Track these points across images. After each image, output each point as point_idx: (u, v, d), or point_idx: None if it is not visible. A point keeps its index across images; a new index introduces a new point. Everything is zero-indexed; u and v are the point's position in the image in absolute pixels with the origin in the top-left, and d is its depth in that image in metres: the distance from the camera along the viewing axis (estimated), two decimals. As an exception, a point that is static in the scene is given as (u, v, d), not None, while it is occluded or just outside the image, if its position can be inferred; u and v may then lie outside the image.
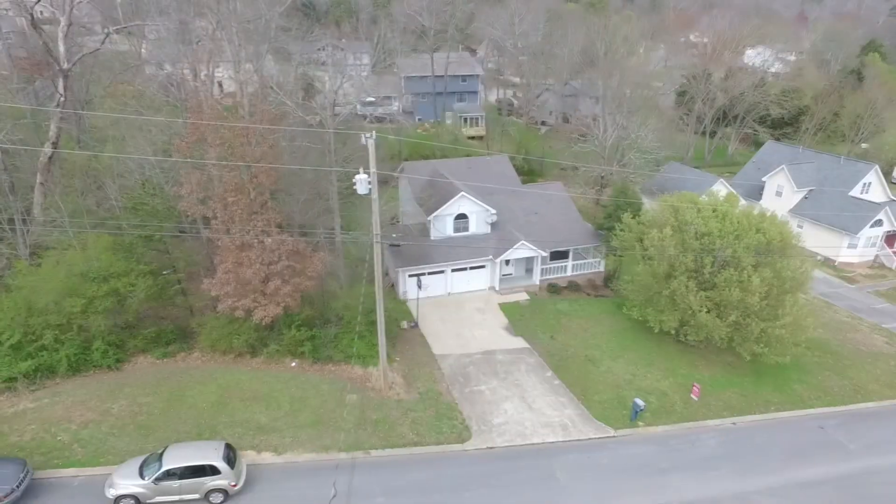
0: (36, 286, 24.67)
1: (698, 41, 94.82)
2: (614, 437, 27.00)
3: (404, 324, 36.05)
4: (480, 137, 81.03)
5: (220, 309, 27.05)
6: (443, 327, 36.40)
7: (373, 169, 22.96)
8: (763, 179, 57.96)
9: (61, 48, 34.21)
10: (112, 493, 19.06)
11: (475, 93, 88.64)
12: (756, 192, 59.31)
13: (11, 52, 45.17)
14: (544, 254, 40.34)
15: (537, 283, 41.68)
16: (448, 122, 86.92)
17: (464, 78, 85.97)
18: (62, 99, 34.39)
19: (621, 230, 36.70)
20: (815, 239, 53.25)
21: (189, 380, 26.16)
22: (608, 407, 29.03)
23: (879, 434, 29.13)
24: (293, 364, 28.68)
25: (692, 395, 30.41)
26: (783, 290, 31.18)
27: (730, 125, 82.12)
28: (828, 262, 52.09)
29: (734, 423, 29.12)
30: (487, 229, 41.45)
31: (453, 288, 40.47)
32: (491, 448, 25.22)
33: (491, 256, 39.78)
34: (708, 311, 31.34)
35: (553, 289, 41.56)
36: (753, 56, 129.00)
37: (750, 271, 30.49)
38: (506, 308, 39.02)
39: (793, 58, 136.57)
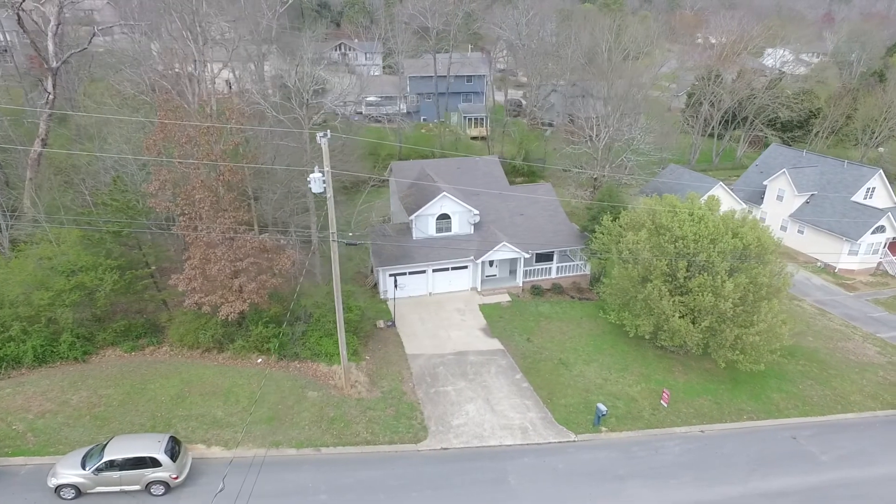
0: (5, 279, 25.37)
1: (712, 42, 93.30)
2: (575, 441, 26.71)
3: (381, 323, 36.16)
4: (484, 138, 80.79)
5: (187, 304, 27.45)
6: (420, 327, 36.41)
7: (327, 168, 23.08)
8: (764, 183, 56.75)
9: (50, 47, 35.12)
10: (53, 482, 19.52)
11: (481, 93, 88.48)
12: (758, 197, 58.17)
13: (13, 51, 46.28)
14: (527, 255, 40.05)
15: (520, 284, 41.44)
16: (453, 122, 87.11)
17: (469, 78, 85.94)
18: (51, 97, 35.34)
19: (601, 232, 36.31)
20: (815, 245, 52.09)
21: (153, 373, 26.63)
22: (573, 411, 28.73)
23: (854, 446, 28.32)
24: (259, 361, 28.98)
25: (662, 402, 29.94)
26: (759, 296, 30.51)
27: (739, 127, 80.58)
28: (828, 269, 50.78)
29: (702, 431, 28.59)
30: (470, 230, 41.35)
31: (435, 288, 40.45)
32: (445, 449, 25.15)
33: (472, 257, 39.66)
34: (682, 317, 30.83)
35: (536, 291, 41.26)
36: (771, 57, 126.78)
37: (724, 276, 29.89)
38: (486, 309, 38.87)
39: (815, 59, 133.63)
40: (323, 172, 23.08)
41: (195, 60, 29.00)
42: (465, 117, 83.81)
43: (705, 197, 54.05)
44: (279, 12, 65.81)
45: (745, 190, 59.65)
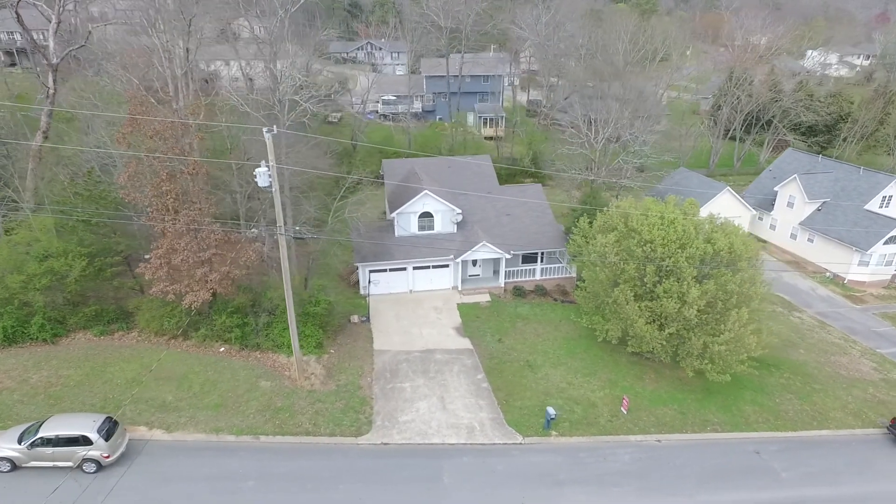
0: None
1: (739, 43, 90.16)
2: (521, 444, 26.47)
3: (355, 318, 36.60)
4: (499, 138, 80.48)
5: (153, 292, 28.49)
6: (394, 324, 36.69)
7: (272, 162, 23.59)
8: (775, 189, 54.65)
9: (51, 45, 36.94)
10: None
11: (497, 93, 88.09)
12: (769, 203, 56.09)
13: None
14: (508, 256, 39.81)
15: (502, 285, 41.21)
16: (469, 122, 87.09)
17: (485, 78, 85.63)
18: (51, 91, 37.17)
19: (577, 234, 35.78)
20: (825, 254, 49.87)
21: (115, 357, 27.78)
22: (528, 413, 28.45)
23: (820, 464, 27.09)
24: (222, 349, 29.82)
25: (622, 409, 29.33)
26: (729, 304, 29.50)
27: (763, 130, 77.77)
28: (836, 280, 48.56)
29: (659, 441, 27.86)
30: (453, 229, 41.37)
31: (415, 286, 40.65)
32: (385, 444, 25.33)
33: (452, 256, 39.67)
34: (648, 323, 30.12)
35: (518, 292, 40.95)
36: (812, 59, 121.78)
37: (690, 283, 29.05)
38: (464, 308, 38.84)
39: (863, 62, 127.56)
40: (269, 166, 23.60)
41: (185, 56, 29.90)
42: (479, 117, 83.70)
43: (711, 202, 53.03)
44: (291, 11, 67.22)
45: (756, 196, 57.67)
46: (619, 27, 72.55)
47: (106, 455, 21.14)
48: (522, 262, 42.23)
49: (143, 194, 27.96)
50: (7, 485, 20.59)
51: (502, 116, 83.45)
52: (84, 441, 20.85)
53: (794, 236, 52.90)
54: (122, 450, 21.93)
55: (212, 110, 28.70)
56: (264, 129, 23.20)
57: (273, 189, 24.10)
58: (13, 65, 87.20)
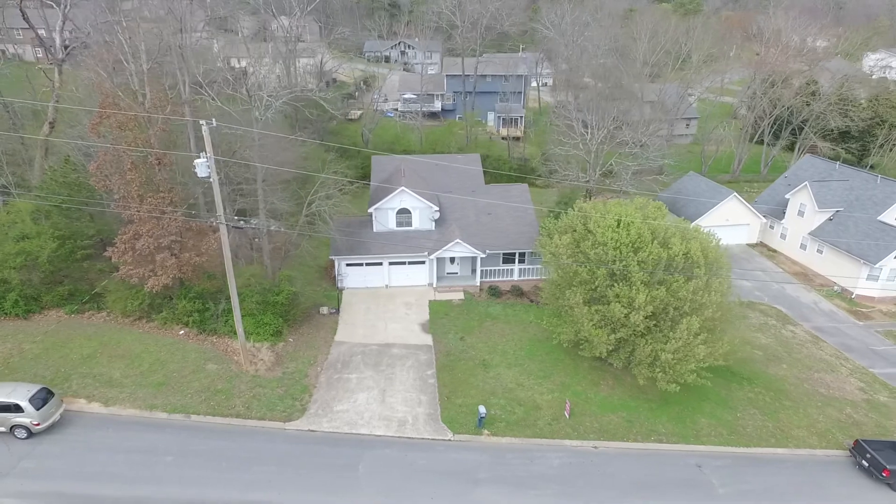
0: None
1: (789, 43, 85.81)
2: (449, 441, 26.55)
3: (324, 309, 37.47)
4: (517, 138, 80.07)
5: (119, 275, 30.20)
6: (362, 317, 37.34)
7: (209, 154, 24.62)
8: (787, 196, 52.10)
9: (57, 41, 39.55)
10: None
11: (519, 93, 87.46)
12: (782, 211, 53.51)
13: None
14: (482, 255, 39.77)
15: (478, 284, 41.18)
16: (489, 121, 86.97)
17: (506, 78, 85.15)
18: (56, 84, 39.80)
19: (543, 234, 35.41)
20: (833, 266, 47.29)
21: (78, 334, 29.64)
22: (466, 411, 28.47)
23: (763, 482, 25.93)
24: (181, 332, 31.26)
25: (565, 412, 28.93)
26: (682, 311, 28.59)
27: (794, 135, 74.09)
28: (844, 294, 45.91)
29: (596, 448, 27.33)
30: (431, 226, 41.67)
31: (392, 281, 41.17)
32: (312, 431, 25.98)
33: (427, 253, 39.98)
34: (599, 327, 29.54)
35: (494, 292, 40.81)
36: (870, 60, 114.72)
37: (640, 287, 28.33)
38: (435, 306, 39.09)
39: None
40: (207, 158, 24.64)
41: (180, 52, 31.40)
42: (499, 117, 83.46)
43: (717, 208, 51.03)
44: (307, 10, 69.16)
45: (769, 203, 55.14)
46: (639, 26, 70.60)
47: (36, 423, 22.71)
48: (503, 262, 42.05)
49: (111, 182, 29.65)
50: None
51: (521, 117, 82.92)
52: (16, 408, 22.48)
53: (803, 247, 50.35)
54: (54, 419, 23.49)
55: (196, 105, 30.05)
56: (202, 122, 24.25)
57: (212, 179, 25.14)
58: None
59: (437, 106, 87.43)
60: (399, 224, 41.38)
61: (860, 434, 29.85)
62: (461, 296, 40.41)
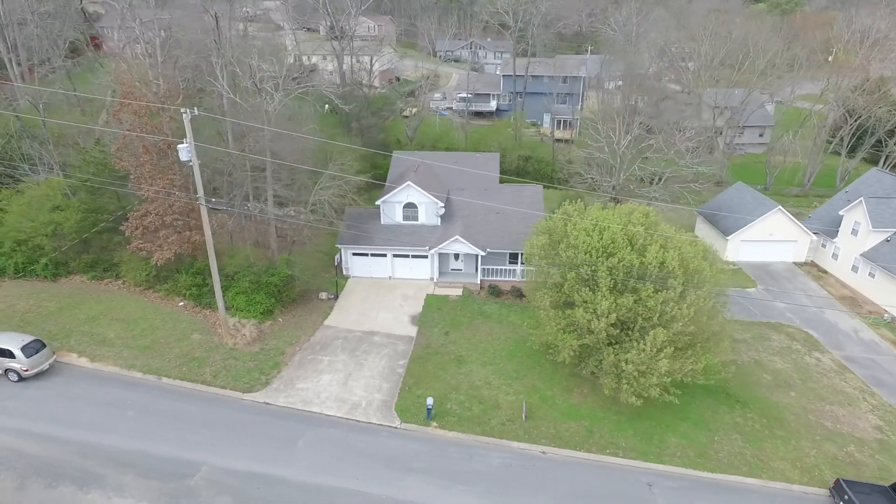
0: (11, 210, 33.75)
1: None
2: (395, 428, 27.16)
3: (324, 295, 39.24)
4: (567, 140, 78.58)
5: (131, 248, 33.47)
6: (358, 305, 38.72)
7: (190, 140, 26.84)
8: (841, 213, 47.63)
9: (115, 37, 44.07)
10: None
11: (577, 95, 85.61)
12: (835, 229, 49.01)
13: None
14: (482, 253, 39.89)
15: (478, 282, 41.32)
16: (546, 123, 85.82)
17: (564, 79, 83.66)
18: (110, 78, 44.27)
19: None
20: (886, 293, 42.78)
21: (91, 298, 33.20)
22: (422, 403, 28.83)
23: (714, 511, 24.33)
24: (181, 304, 34.09)
25: (522, 415, 28.63)
26: (652, 323, 27.35)
27: (881, 146, 67.20)
28: (895, 325, 41.42)
29: (544, 453, 26.83)
30: (437, 221, 42.30)
31: (395, 273, 42.25)
32: (267, 404, 27.54)
33: (428, 247, 40.67)
34: (565, 332, 28.93)
35: (493, 290, 40.77)
36: None
37: (605, 294, 27.45)
38: (431, 300, 39.71)
39: None
40: (188, 143, 26.90)
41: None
42: (554, 118, 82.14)
43: (759, 221, 47.64)
44: (361, 9, 71.72)
45: (824, 219, 50.65)
46: (700, 28, 66.89)
47: (25, 369, 25.96)
48: (508, 262, 41.87)
49: (128, 163, 32.92)
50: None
51: (575, 119, 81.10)
52: (9, 354, 25.84)
53: (854, 269, 45.85)
54: (43, 367, 26.70)
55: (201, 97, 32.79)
56: (182, 111, 26.48)
57: (192, 164, 27.36)
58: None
59: (493, 105, 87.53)
60: (405, 218, 42.33)
61: (855, 475, 27.11)
62: (459, 292, 40.71)
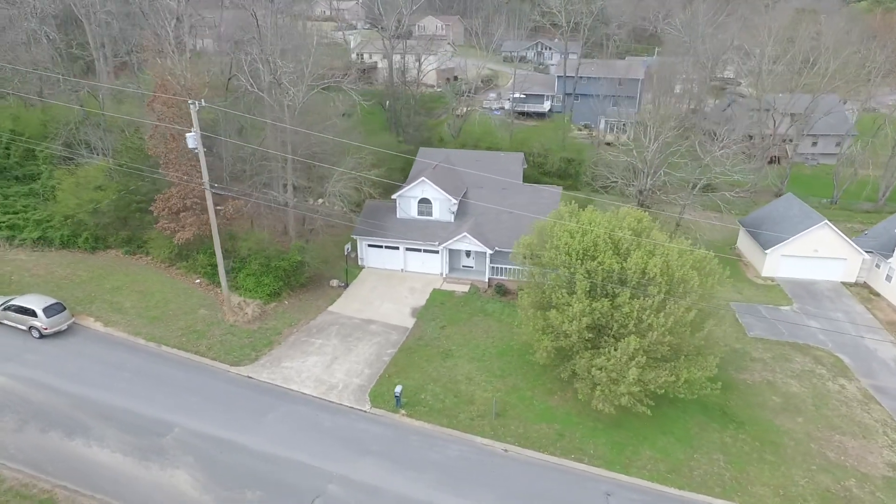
0: (62, 189, 37.98)
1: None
2: (364, 412, 28.13)
3: (334, 282, 40.98)
4: (621, 144, 76.49)
5: (157, 227, 36.67)
6: (365, 294, 40.14)
7: (196, 130, 29.14)
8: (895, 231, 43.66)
9: (171, 35, 48.04)
10: None
11: (633, 98, 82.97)
12: (892, 248, 44.97)
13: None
14: (490, 251, 40.11)
15: (486, 280, 41.54)
16: (601, 126, 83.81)
17: (620, 82, 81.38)
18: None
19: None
20: (937, 321, 38.84)
21: (120, 270, 36.65)
22: (405, 391, 29.46)
23: (669, 529, 23.45)
24: (197, 281, 36.88)
25: (493, 412, 28.77)
26: (627, 329, 26.68)
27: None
28: (943, 356, 37.53)
29: (506, 451, 26.86)
30: (451, 218, 42.92)
31: (408, 266, 43.29)
32: (249, 377, 29.37)
33: (438, 243, 41.39)
34: (542, 333, 28.78)
35: (500, 289, 40.84)
36: None
37: (581, 297, 27.05)
38: (437, 294, 40.42)
39: None
40: (195, 133, 29.23)
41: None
42: (606, 121, 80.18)
43: (801, 236, 44.45)
44: (413, 9, 73.27)
45: (880, 237, 46.58)
46: (763, 27, 62.87)
47: (45, 327, 29.30)
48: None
49: (159, 149, 36.06)
50: (-9, 332, 30.42)
51: (630, 123, 78.59)
52: (32, 313, 29.28)
53: (908, 292, 41.89)
54: (61, 327, 29.99)
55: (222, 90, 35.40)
56: (190, 103, 28.81)
57: (198, 150, 29.68)
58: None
59: (546, 106, 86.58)
60: (420, 213, 43.26)
61: (846, 510, 25.15)
62: (465, 289, 41.09)
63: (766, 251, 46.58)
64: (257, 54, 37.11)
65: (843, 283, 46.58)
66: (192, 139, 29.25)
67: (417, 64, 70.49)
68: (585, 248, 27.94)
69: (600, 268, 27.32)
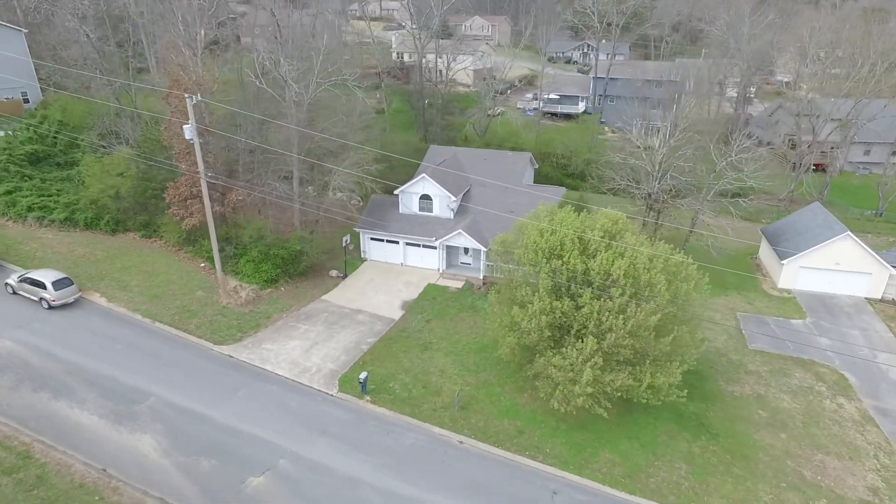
0: (90, 175, 41.29)
1: None
2: (330, 395, 29.25)
3: (334, 272, 42.46)
4: (651, 148, 74.68)
5: (168, 213, 39.26)
6: (362, 285, 41.40)
7: (192, 123, 31.16)
8: (926, 246, 40.77)
9: (201, 33, 51.04)
10: (4, 281, 33.49)
11: (672, 100, 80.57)
12: (923, 264, 42.19)
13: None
14: (484, 248, 40.46)
15: (480, 276, 41.90)
16: (635, 128, 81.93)
17: (658, 84, 79.43)
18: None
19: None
20: (961, 344, 36.19)
21: (133, 252, 39.45)
22: (375, 379, 30.51)
23: (607, 531, 23.25)
24: (202, 265, 39.17)
25: (456, 405, 29.28)
26: (588, 330, 26.55)
27: None
28: (963, 382, 34.94)
29: (461, 442, 27.31)
30: (450, 214, 43.53)
31: (407, 260, 44.24)
32: (230, 356, 31.08)
33: (434, 238, 42.12)
34: (508, 329, 29.03)
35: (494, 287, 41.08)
36: None
37: (542, 295, 27.14)
38: (430, 289, 41.18)
39: None
40: (193, 126, 31.26)
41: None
42: (643, 124, 78.32)
43: (821, 247, 42.38)
44: (444, 9, 74.09)
45: (910, 251, 43.65)
46: (807, 29, 59.76)
47: (52, 299, 32.12)
48: (517, 261, 41.88)
49: (173, 141, 38.56)
50: (11, 300, 33.31)
51: (665, 126, 76.39)
52: (42, 286, 32.17)
53: (933, 312, 39.10)
54: (68, 300, 32.76)
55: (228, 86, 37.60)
56: (187, 97, 30.82)
57: (194, 142, 31.70)
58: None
59: (581, 108, 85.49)
60: (421, 209, 44.08)
61: (806, 532, 24.13)
62: (460, 285, 41.59)
63: (783, 262, 44.55)
64: (266, 52, 38.97)
65: (868, 300, 43.92)
66: (189, 131, 31.26)
67: (445, 64, 71.24)
68: (552, 247, 27.93)
69: (565, 267, 27.26)
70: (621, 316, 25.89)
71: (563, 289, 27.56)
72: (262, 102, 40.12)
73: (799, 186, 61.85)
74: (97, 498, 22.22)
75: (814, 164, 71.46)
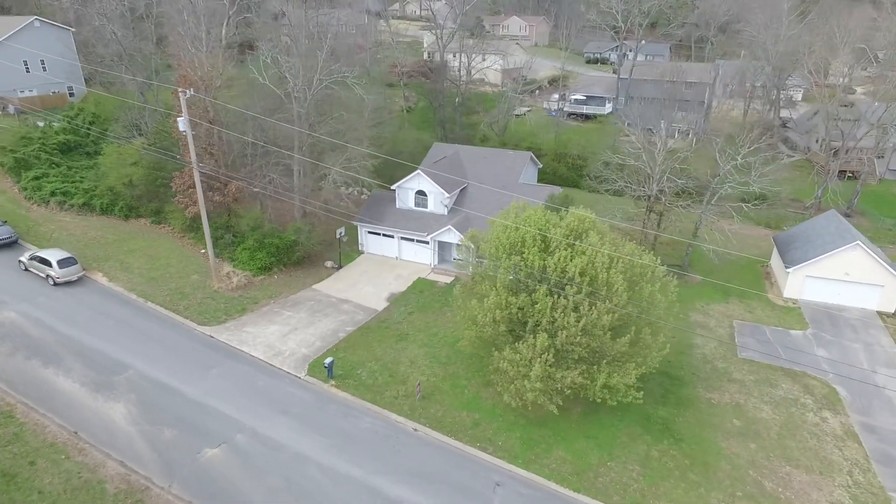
0: (106, 163, 44.25)
1: None
2: (297, 378, 30.47)
3: (329, 263, 43.90)
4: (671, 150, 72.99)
5: (175, 201, 41.63)
6: (354, 277, 42.64)
7: (185, 116, 33.09)
8: (940, 258, 38.53)
9: (224, 32, 53.59)
10: (19, 258, 36.40)
11: (701, 103, 78.50)
12: (939, 277, 39.92)
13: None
14: (474, 245, 40.83)
15: (470, 273, 42.27)
16: (661, 131, 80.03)
17: (688, 85, 77.43)
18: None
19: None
20: (969, 362, 34.17)
21: (140, 236, 42.01)
22: (345, 365, 31.59)
23: (540, 524, 23.40)
24: (203, 251, 41.32)
25: (416, 394, 29.96)
26: (542, 327, 26.74)
27: None
28: (967, 402, 33.00)
29: (415, 430, 27.97)
30: (444, 211, 44.22)
31: (402, 254, 45.21)
32: (211, 337, 32.79)
33: (426, 234, 42.90)
34: (473, 322, 29.48)
35: (482, 284, 41.48)
36: None
37: (499, 289, 27.50)
38: (419, 283, 42.01)
39: None
40: (186, 119, 33.20)
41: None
42: (669, 126, 76.52)
43: (830, 255, 40.83)
44: (465, 9, 74.63)
45: (928, 264, 41.32)
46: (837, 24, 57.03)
47: (57, 276, 34.76)
48: (508, 259, 42.15)
49: (180, 133, 40.84)
50: (23, 276, 36.16)
51: (692, 129, 74.43)
52: (49, 264, 34.88)
53: (942, 328, 36.94)
54: (71, 278, 35.34)
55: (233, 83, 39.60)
56: (180, 91, 32.76)
57: (187, 134, 33.63)
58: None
59: (608, 109, 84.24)
60: (417, 204, 44.93)
61: (752, 542, 23.57)
62: (450, 280, 42.18)
63: (788, 270, 42.95)
64: (267, 49, 40.74)
65: (880, 313, 41.81)
66: (182, 123, 33.19)
67: (468, 63, 71.81)
68: (513, 243, 28.20)
69: (523, 263, 27.49)
70: (574, 314, 25.91)
71: (521, 284, 27.78)
72: (266, 99, 41.83)
73: (826, 193, 59.10)
74: (63, 457, 24.12)
75: (849, 172, 68.14)
